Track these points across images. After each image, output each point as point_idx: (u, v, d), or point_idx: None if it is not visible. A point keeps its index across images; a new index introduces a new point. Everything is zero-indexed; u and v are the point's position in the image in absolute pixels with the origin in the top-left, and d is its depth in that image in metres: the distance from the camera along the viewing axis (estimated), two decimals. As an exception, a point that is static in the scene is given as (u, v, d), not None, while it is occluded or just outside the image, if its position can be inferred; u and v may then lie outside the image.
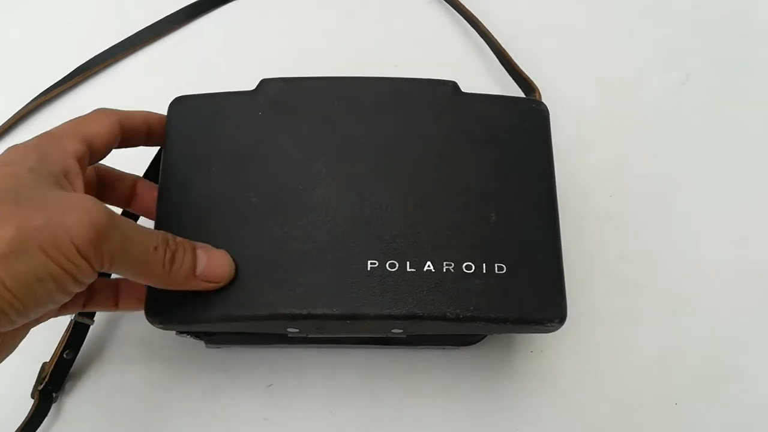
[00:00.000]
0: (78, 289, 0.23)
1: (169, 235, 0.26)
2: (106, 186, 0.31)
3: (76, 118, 0.28)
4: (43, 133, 0.27)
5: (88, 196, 0.24)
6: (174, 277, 0.26)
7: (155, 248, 0.25)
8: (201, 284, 0.27)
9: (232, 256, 0.28)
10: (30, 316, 0.23)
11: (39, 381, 0.32)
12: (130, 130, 0.29)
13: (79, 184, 0.26)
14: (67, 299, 0.24)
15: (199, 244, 0.27)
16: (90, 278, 0.23)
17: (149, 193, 0.32)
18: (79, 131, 0.27)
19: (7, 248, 0.21)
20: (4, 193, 0.23)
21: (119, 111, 0.29)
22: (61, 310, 0.29)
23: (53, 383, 0.33)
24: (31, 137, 0.26)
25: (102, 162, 0.29)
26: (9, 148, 0.25)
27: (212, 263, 0.27)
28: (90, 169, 0.30)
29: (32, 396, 0.32)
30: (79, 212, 0.22)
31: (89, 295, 0.30)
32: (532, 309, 0.28)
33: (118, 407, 0.34)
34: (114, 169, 0.32)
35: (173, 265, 0.26)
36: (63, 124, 0.27)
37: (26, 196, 0.23)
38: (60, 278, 0.22)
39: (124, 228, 0.24)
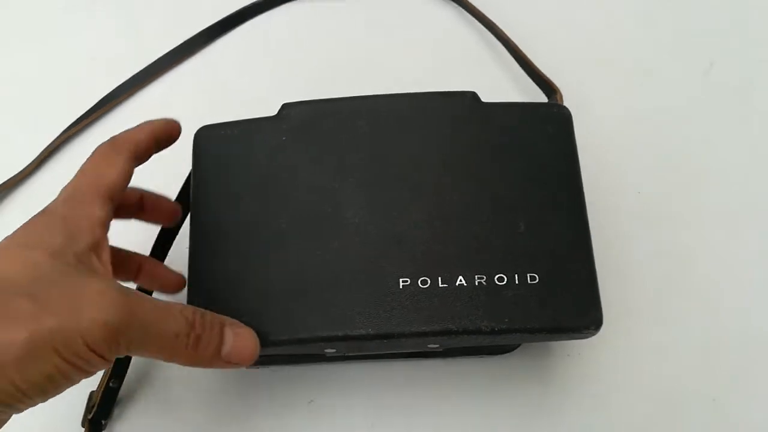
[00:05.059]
0: (87, 377, 0.23)
1: (197, 317, 0.25)
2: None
3: (89, 166, 0.27)
4: (67, 195, 0.26)
5: (107, 286, 0.23)
6: (198, 360, 0.26)
7: (176, 335, 0.25)
8: (223, 365, 0.26)
9: (265, 281, 0.28)
10: (36, 404, 0.23)
11: (88, 410, 0.33)
12: (143, 156, 0.29)
13: (106, 254, 0.26)
14: (72, 386, 0.23)
15: (228, 320, 0.27)
16: (102, 368, 0.23)
17: (154, 268, 0.33)
18: (101, 185, 0.26)
19: (21, 352, 0.21)
20: (19, 286, 0.22)
21: (126, 141, 0.28)
22: None
23: (101, 412, 0.34)
24: (52, 196, 0.26)
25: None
26: (32, 219, 0.25)
27: (238, 344, 0.26)
28: None
29: (83, 425, 0.33)
30: (94, 311, 0.22)
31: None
32: (567, 317, 0.28)
33: (166, 430, 0.35)
34: (120, 249, 0.31)
35: (198, 348, 0.25)
36: (79, 176, 0.27)
37: (42, 291, 0.22)
38: (70, 373, 0.22)
39: (144, 318, 0.24)
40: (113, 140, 0.28)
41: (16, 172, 0.41)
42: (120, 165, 0.27)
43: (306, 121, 0.31)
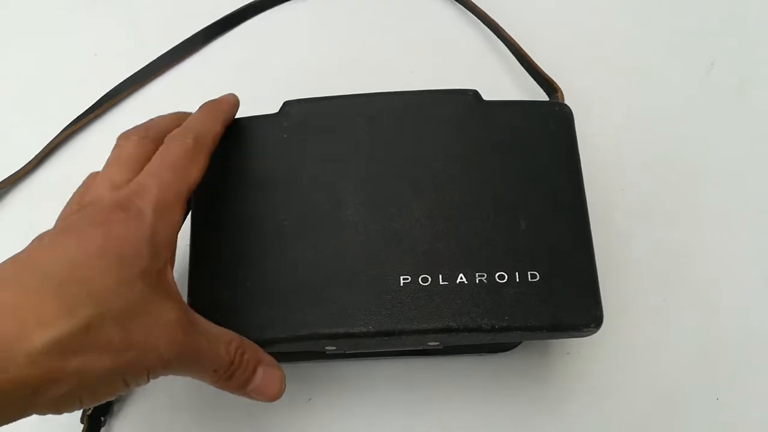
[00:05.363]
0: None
1: (238, 356, 0.26)
2: None
3: (176, 164, 0.26)
4: (158, 202, 0.25)
5: (176, 319, 0.24)
6: (223, 388, 0.27)
7: (215, 371, 0.26)
8: (245, 396, 0.28)
9: (266, 278, 0.28)
10: None
11: (87, 406, 0.33)
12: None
13: (173, 261, 0.26)
14: None
15: (265, 360, 0.28)
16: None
17: None
18: (184, 188, 0.26)
19: (97, 380, 0.22)
20: (115, 312, 0.22)
21: (209, 138, 0.28)
22: None
23: (101, 407, 0.33)
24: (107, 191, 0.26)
25: None
26: (121, 220, 0.24)
27: (265, 383, 0.28)
28: None
29: (81, 421, 0.33)
30: (163, 347, 0.23)
31: None
32: (568, 315, 0.28)
33: (166, 427, 0.35)
34: None
35: (229, 381, 0.27)
36: (166, 175, 0.26)
37: (130, 321, 0.23)
38: (122, 391, 0.24)
39: (196, 354, 0.25)
40: (199, 138, 0.28)
41: (17, 169, 0.41)
42: (202, 164, 0.28)
43: (307, 118, 0.31)
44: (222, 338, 0.26)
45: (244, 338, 0.27)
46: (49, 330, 0.21)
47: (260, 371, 0.27)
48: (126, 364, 0.22)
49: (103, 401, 0.24)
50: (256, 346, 0.28)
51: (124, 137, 0.29)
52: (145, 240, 0.24)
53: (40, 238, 0.25)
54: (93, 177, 0.29)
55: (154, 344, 0.23)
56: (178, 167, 0.27)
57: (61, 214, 0.28)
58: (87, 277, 0.22)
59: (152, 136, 0.29)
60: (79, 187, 0.29)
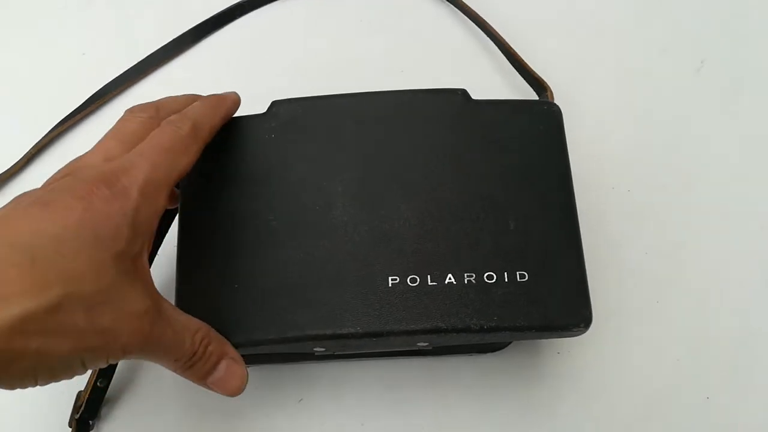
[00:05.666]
0: None
1: (201, 348, 0.26)
2: None
3: (171, 145, 0.26)
4: (145, 184, 0.24)
5: (143, 308, 0.24)
6: (185, 376, 0.27)
7: (176, 360, 0.26)
8: (206, 387, 0.28)
9: (254, 279, 0.28)
10: None
11: (75, 409, 0.33)
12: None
13: (150, 247, 0.26)
14: None
15: (230, 354, 0.27)
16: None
17: None
18: (173, 174, 0.26)
19: (57, 362, 0.22)
20: (83, 296, 0.22)
21: (206, 130, 0.28)
22: None
23: (89, 411, 0.33)
24: (88, 169, 0.25)
25: None
26: (105, 196, 0.23)
27: (225, 377, 0.27)
28: None
29: (69, 425, 0.33)
30: (126, 336, 0.23)
31: None
32: (557, 315, 0.28)
33: (154, 429, 0.35)
34: None
35: (189, 370, 0.27)
36: (158, 158, 0.25)
37: (97, 307, 0.22)
38: (81, 373, 0.23)
39: (160, 345, 0.25)
40: (196, 127, 0.28)
41: (5, 169, 0.40)
42: (194, 153, 0.28)
43: (295, 118, 0.31)
44: (189, 328, 0.26)
45: (212, 329, 0.27)
46: (15, 307, 0.20)
47: (223, 365, 0.27)
48: (87, 348, 0.22)
49: (59, 381, 0.23)
50: (223, 338, 0.27)
51: (131, 112, 0.29)
52: (126, 221, 0.23)
53: (17, 202, 0.24)
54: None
55: (118, 332, 0.23)
56: (170, 152, 0.26)
57: (50, 177, 0.27)
58: (60, 254, 0.22)
59: (161, 117, 0.28)
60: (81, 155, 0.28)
